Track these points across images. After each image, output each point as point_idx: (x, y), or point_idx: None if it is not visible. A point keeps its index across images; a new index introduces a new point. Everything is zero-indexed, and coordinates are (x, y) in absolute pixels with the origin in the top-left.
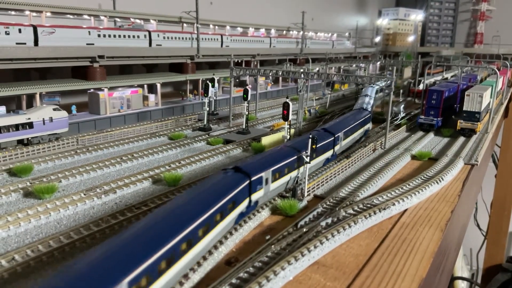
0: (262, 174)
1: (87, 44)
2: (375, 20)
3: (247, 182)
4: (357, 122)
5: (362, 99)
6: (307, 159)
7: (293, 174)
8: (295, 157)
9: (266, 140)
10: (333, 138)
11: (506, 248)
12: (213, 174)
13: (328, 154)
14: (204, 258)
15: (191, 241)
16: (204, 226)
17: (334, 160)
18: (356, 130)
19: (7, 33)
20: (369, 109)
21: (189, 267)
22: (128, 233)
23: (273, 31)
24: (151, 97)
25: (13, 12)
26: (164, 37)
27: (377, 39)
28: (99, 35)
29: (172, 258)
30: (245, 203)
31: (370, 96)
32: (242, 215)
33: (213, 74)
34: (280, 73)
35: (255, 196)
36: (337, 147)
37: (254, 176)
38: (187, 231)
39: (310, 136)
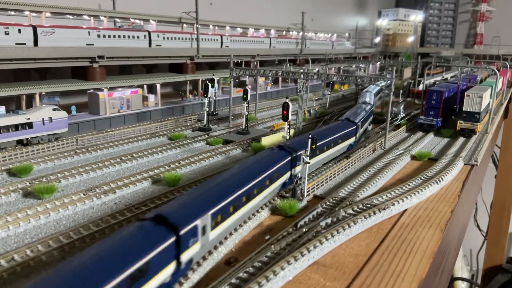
0: (302, 152)
1: (86, 44)
2: (374, 21)
3: (289, 158)
4: (367, 113)
5: (365, 95)
6: (307, 159)
7: (325, 154)
8: (329, 139)
9: (266, 141)
10: (355, 126)
11: (506, 249)
12: (262, 151)
13: (351, 140)
14: (204, 258)
15: (249, 196)
16: (258, 187)
17: (355, 147)
18: (367, 120)
19: (6, 33)
20: (371, 103)
21: (246, 217)
22: (209, 184)
23: (273, 31)
24: (151, 97)
25: (12, 12)
26: (164, 38)
27: (377, 39)
28: (98, 36)
29: (236, 205)
30: (287, 175)
31: (371, 92)
32: (284, 185)
33: (213, 75)
34: (280, 74)
35: (295, 170)
36: (358, 134)
37: (295, 154)
38: (245, 189)
39: (310, 136)
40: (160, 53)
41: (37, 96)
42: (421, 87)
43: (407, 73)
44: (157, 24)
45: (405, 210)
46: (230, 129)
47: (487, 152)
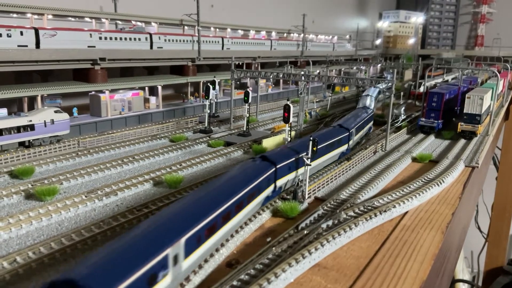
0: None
1: (88, 46)
2: (375, 23)
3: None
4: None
5: (368, 90)
6: (308, 161)
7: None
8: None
9: (267, 142)
10: (372, 113)
11: (507, 251)
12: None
13: (370, 125)
14: (205, 260)
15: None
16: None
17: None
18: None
19: (9, 36)
20: (374, 96)
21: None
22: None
23: (274, 33)
24: (152, 99)
25: (14, 15)
26: (165, 40)
27: (378, 41)
28: (100, 38)
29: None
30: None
31: (374, 89)
32: (343, 154)
33: (214, 77)
34: (281, 76)
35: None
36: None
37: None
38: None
39: (311, 138)
40: (162, 55)
41: (39, 98)
42: (421, 89)
43: (408, 75)
44: (159, 26)
45: (406, 212)
46: (231, 131)
47: (488, 154)
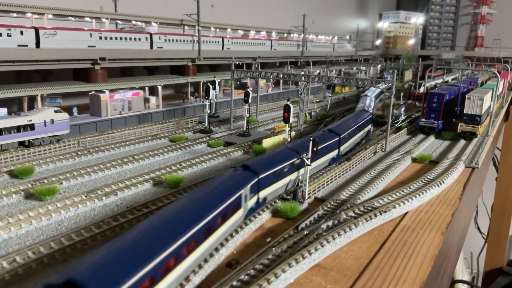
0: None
1: (88, 46)
2: (376, 23)
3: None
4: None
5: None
6: (308, 162)
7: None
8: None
9: (267, 143)
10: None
11: (507, 252)
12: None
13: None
14: (205, 261)
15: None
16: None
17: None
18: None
19: (9, 35)
20: (378, 89)
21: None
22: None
23: (274, 33)
24: (152, 99)
25: (15, 14)
26: (165, 40)
27: (378, 42)
28: (100, 38)
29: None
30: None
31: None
32: (369, 132)
33: (214, 77)
34: (281, 76)
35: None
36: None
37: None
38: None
39: (311, 138)
40: (162, 55)
41: (38, 98)
42: (422, 89)
43: (408, 75)
44: (159, 26)
45: (406, 213)
46: (231, 131)
47: (488, 154)
